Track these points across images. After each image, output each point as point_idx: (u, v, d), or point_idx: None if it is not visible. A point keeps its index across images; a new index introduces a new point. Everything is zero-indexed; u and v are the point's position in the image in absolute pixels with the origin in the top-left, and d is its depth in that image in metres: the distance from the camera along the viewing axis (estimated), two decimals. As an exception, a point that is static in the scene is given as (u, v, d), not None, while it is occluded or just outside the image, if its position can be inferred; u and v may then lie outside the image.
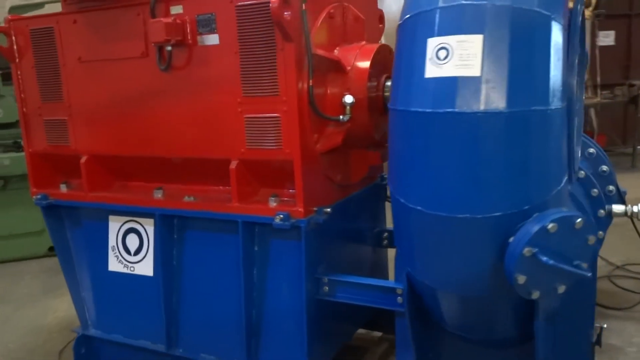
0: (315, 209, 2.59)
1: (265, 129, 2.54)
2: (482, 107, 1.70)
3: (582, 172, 2.90)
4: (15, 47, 3.14)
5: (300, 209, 2.53)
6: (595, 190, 2.83)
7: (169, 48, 2.64)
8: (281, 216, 2.53)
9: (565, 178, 1.88)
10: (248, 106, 2.57)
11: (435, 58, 1.76)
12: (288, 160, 2.52)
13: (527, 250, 1.72)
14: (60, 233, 3.37)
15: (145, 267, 3.11)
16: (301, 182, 2.51)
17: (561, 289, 1.81)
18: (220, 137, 2.66)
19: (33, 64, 3.12)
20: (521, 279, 1.75)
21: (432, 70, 1.76)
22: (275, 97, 2.49)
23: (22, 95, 3.20)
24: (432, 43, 1.78)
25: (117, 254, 3.19)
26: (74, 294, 3.40)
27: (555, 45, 1.76)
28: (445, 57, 1.73)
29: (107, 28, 2.85)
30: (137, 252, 3.13)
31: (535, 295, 1.80)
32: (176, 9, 2.64)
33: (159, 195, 2.94)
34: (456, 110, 1.72)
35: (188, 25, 2.62)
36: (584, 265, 1.80)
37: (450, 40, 1.73)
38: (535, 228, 1.73)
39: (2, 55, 3.16)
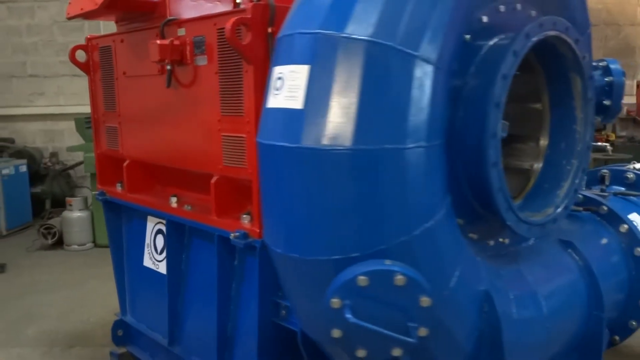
0: (275, 231, 2.58)
1: (235, 147, 2.62)
2: (302, 143, 1.55)
3: (605, 207, 2.66)
4: (90, 62, 3.66)
5: (256, 229, 2.55)
6: (625, 225, 2.65)
7: (169, 67, 2.85)
8: (237, 234, 2.57)
9: (423, 227, 1.61)
10: (224, 125, 2.66)
11: (274, 88, 1.67)
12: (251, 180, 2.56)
13: (334, 302, 1.53)
14: (116, 227, 3.80)
15: (164, 266, 3.37)
16: (257, 202, 2.53)
17: (396, 351, 1.57)
18: (205, 152, 2.80)
19: (100, 77, 3.59)
20: (336, 332, 1.55)
21: (271, 100, 1.67)
22: (242, 117, 2.55)
23: (93, 103, 3.70)
24: (275, 72, 1.68)
25: (150, 251, 3.51)
26: (118, 282, 3.80)
27: (402, 80, 1.52)
28: (280, 88, 1.62)
29: (139, 47, 3.17)
30: (161, 251, 3.41)
31: (362, 353, 1.59)
32: (181, 31, 2.85)
33: (173, 202, 3.16)
34: (279, 143, 1.60)
35: (188, 46, 2.81)
36: (422, 330, 1.54)
37: (285, 69, 1.62)
38: (343, 278, 1.53)
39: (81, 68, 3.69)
